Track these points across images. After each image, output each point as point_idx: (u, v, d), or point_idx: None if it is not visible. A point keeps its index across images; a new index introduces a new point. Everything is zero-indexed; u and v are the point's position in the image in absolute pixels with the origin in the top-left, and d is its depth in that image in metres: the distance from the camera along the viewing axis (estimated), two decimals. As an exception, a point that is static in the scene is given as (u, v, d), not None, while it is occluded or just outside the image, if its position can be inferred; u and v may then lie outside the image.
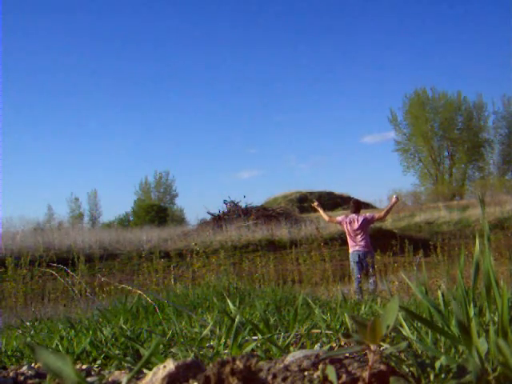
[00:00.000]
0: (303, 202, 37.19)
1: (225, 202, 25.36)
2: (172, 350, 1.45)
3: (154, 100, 67.69)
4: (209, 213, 25.03)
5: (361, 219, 7.84)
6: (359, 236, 7.80)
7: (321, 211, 8.25)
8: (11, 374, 1.29)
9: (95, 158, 67.62)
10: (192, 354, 1.33)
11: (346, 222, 7.96)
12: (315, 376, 0.90)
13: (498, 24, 58.04)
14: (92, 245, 19.08)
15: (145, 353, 1.33)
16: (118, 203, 78.34)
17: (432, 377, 0.90)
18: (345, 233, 8.13)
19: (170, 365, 0.94)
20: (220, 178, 69.02)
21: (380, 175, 65.84)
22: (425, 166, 47.24)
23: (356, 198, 8.35)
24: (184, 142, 67.94)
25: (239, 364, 0.81)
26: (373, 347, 0.85)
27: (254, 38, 66.30)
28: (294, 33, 65.42)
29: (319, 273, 8.76)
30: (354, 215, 7.97)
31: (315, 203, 8.26)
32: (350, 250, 7.91)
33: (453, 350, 1.03)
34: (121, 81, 66.51)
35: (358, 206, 8.16)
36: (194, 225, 27.34)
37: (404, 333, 1.21)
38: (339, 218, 8.16)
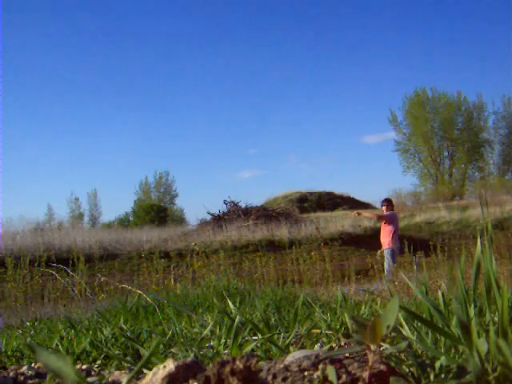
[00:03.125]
0: (303, 202, 37.19)
1: (225, 202, 25.37)
2: (172, 350, 1.45)
3: (154, 100, 67.66)
4: (209, 213, 25.04)
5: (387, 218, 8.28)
6: (386, 234, 8.17)
7: (366, 214, 8.81)
8: (11, 373, 1.29)
9: (95, 158, 67.52)
10: (192, 354, 1.33)
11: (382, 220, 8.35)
12: (315, 376, 0.89)
13: (497, 24, 58.09)
14: (92, 245, 19.06)
15: (145, 353, 1.33)
16: (118, 203, 78.19)
17: (432, 377, 0.90)
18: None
19: (170, 365, 0.94)
20: (220, 178, 68.97)
21: (380, 175, 65.86)
22: (425, 166, 47.22)
23: (388, 197, 8.73)
24: (184, 142, 67.84)
25: (239, 364, 0.81)
26: (373, 347, 0.85)
27: (254, 37, 66.30)
28: (294, 32, 65.45)
29: (319, 273, 8.77)
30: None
31: (354, 212, 8.68)
32: (383, 247, 8.31)
33: (453, 350, 1.03)
34: (121, 81, 66.50)
35: (387, 204, 8.40)
36: (193, 225, 27.32)
37: (404, 333, 1.21)
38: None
